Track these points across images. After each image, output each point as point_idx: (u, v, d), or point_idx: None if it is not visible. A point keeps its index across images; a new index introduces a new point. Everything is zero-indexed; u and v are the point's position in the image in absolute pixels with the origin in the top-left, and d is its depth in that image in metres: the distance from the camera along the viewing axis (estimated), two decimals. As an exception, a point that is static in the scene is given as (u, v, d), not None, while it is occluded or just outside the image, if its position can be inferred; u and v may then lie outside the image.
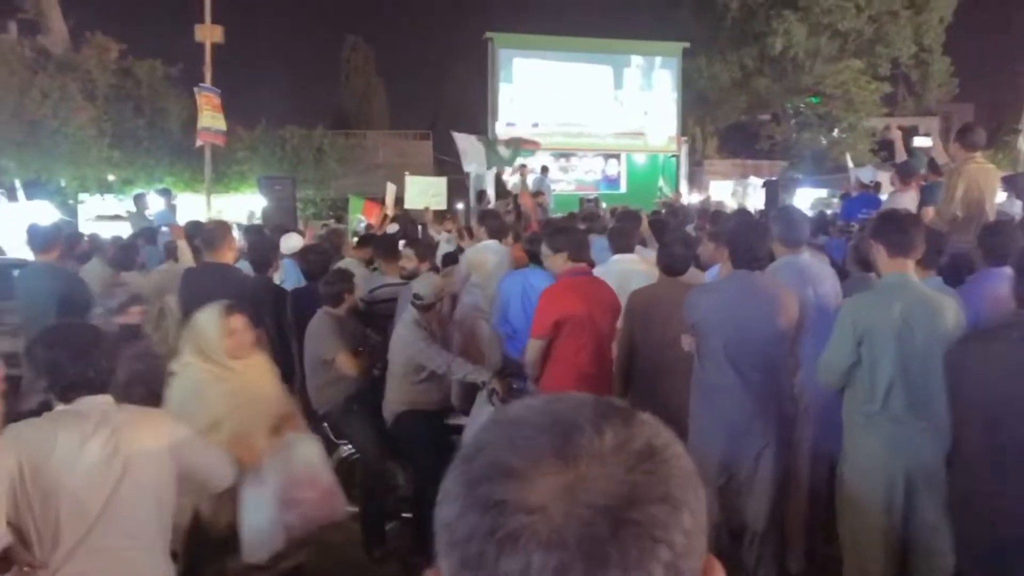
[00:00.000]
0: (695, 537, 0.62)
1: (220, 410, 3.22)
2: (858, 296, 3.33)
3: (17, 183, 15.53)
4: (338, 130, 22.04)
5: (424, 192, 12.21)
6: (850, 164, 14.90)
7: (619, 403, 0.68)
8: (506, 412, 0.67)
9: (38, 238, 5.20)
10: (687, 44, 21.49)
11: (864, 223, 5.98)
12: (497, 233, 6.28)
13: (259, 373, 3.50)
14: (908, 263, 3.23)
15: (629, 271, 4.72)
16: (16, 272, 6.13)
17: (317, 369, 4.57)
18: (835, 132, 27.37)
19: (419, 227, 10.30)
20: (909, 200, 6.36)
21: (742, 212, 8.66)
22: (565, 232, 4.29)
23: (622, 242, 5.36)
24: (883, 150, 25.02)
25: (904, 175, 6.90)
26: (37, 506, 2.16)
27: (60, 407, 2.34)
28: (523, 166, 14.98)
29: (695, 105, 26.78)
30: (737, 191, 20.17)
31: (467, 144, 14.25)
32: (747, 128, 29.78)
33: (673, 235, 4.62)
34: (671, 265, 4.21)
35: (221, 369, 3.33)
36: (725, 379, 3.55)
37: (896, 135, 7.96)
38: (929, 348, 3.10)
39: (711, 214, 9.89)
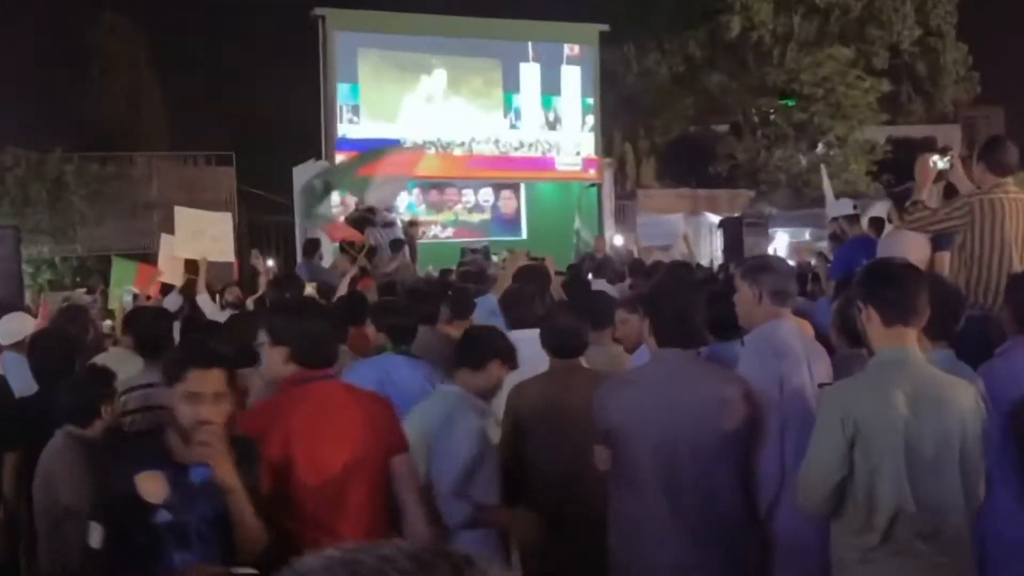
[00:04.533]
0: None
1: None
2: (846, 382, 3.48)
3: None
4: (90, 152, 21.46)
5: (200, 234, 11.71)
6: (826, 189, 15.70)
7: (452, 550, 0.77)
8: (303, 563, 0.76)
9: None
10: (605, 26, 22.09)
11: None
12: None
13: None
14: (909, 333, 3.40)
15: (529, 355, 4.80)
16: None
17: (56, 524, 4.41)
18: (819, 148, 28.63)
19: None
20: (914, 244, 6.70)
21: (674, 266, 8.99)
22: (294, 312, 4.17)
23: (518, 311, 5.50)
24: (887, 172, 26.46)
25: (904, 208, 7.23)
26: None
27: None
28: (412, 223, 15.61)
29: (622, 112, 27.58)
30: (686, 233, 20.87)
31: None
32: (697, 144, 30.77)
33: (561, 298, 4.85)
34: (561, 343, 4.48)
35: None
36: (651, 511, 3.68)
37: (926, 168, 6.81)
38: (943, 453, 3.28)
39: (631, 265, 10.14)
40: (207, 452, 3.24)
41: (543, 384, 4.60)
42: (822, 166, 19.57)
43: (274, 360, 3.96)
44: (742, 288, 4.28)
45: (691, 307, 3.92)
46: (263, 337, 4.19)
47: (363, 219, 14.95)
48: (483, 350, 4.47)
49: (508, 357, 4.52)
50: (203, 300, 9.56)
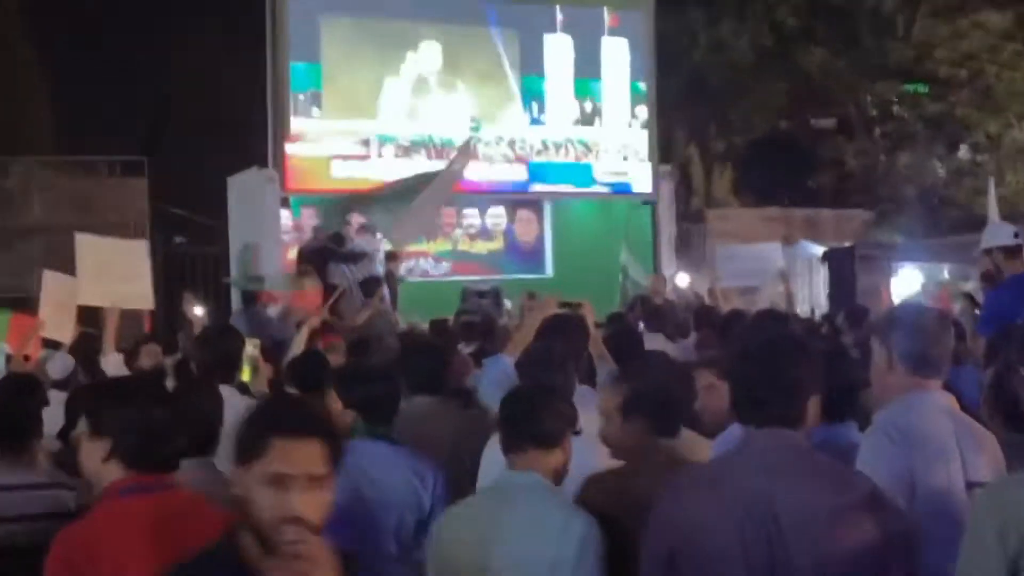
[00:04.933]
0: None
1: None
2: (1004, 481, 3.44)
3: None
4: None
5: (107, 271, 11.80)
6: (991, 208, 15.47)
7: None
8: None
9: None
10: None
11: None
12: None
13: None
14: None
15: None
16: None
17: None
18: (962, 151, 28.45)
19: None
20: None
21: (761, 316, 8.93)
22: (121, 391, 4.28)
23: (544, 379, 5.54)
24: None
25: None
26: None
27: None
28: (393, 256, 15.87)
29: (686, 103, 27.64)
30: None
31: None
32: (791, 145, 30.67)
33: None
34: (667, 410, 4.54)
35: None
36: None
37: None
38: None
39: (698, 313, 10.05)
40: (301, 567, 2.95)
41: (629, 477, 4.54)
42: (990, 180, 19.37)
43: (91, 457, 3.98)
44: (874, 350, 4.51)
45: (788, 373, 3.83)
46: (82, 425, 4.18)
47: (325, 251, 14.94)
48: (556, 421, 4.45)
49: (573, 426, 4.55)
50: (113, 363, 9.52)
